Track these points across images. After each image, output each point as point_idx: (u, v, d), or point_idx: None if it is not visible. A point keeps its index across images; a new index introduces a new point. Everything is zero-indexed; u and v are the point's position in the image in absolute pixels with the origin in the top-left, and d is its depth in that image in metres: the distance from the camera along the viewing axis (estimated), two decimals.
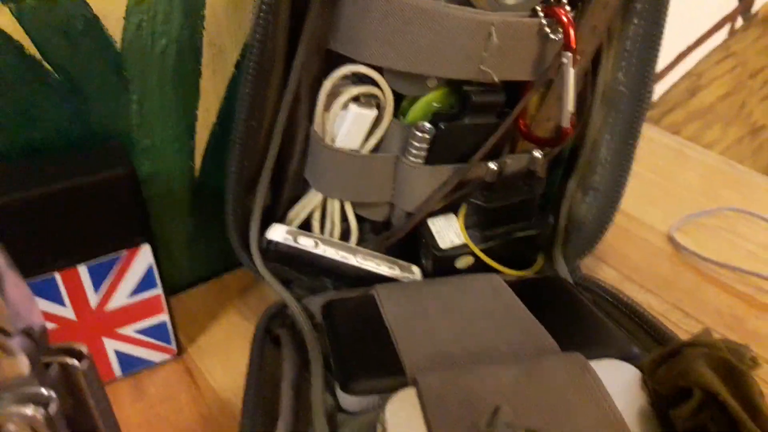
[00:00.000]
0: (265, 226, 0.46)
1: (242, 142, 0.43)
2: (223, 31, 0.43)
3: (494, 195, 0.45)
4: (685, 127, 1.17)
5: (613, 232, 0.60)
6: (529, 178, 0.46)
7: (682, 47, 1.03)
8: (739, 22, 1.13)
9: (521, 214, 0.47)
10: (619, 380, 0.33)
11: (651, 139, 0.79)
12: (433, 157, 0.45)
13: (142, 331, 0.41)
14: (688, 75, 1.08)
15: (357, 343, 0.38)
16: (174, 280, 0.50)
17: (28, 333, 0.21)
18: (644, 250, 0.59)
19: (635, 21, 0.45)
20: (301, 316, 0.42)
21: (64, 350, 0.23)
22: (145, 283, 0.40)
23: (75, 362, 0.23)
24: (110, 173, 0.35)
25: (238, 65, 0.46)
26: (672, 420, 0.31)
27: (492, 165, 0.43)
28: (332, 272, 0.46)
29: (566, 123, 0.44)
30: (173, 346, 0.44)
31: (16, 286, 0.20)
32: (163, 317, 0.42)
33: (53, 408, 0.21)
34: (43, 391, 0.21)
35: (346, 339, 0.39)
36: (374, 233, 0.51)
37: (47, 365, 0.23)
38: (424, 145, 0.44)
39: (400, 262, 0.47)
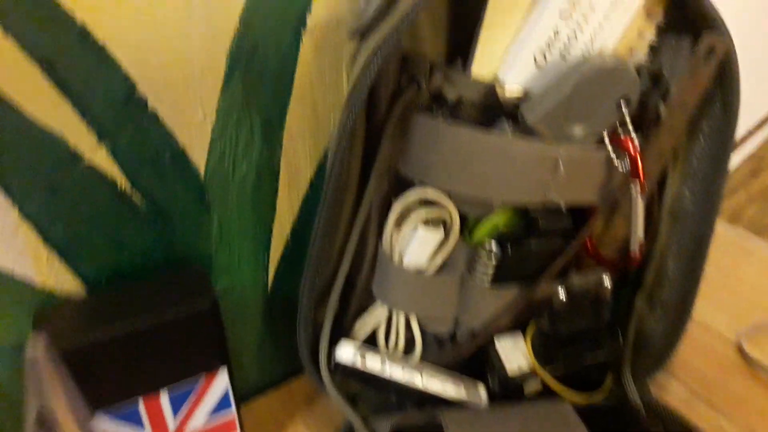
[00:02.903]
0: (333, 335, 0.47)
1: (316, 263, 0.44)
2: (299, 152, 0.45)
3: (561, 321, 0.45)
4: (747, 208, 1.14)
5: None
6: (597, 303, 0.46)
7: (744, 131, 1.02)
8: None
9: (590, 340, 0.46)
10: None
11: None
12: (499, 278, 0.45)
13: None
14: (750, 157, 1.07)
15: None
16: (242, 386, 0.51)
17: None
18: (713, 361, 0.58)
19: (702, 141, 0.46)
20: None
21: None
22: (221, 404, 0.41)
23: None
24: (195, 308, 0.37)
25: (312, 183, 0.47)
26: None
27: (560, 291, 0.44)
28: (398, 390, 0.46)
29: (635, 250, 0.44)
30: None
31: None
32: None
33: None
34: None
35: None
36: (438, 344, 0.51)
37: None
38: (490, 267, 0.44)
39: (466, 379, 0.47)
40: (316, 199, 0.48)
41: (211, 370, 0.39)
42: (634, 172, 0.41)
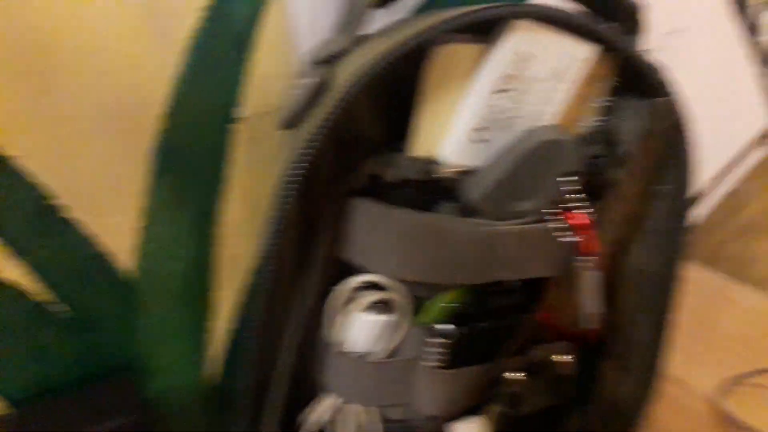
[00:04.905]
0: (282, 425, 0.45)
1: (253, 358, 0.42)
2: (236, 243, 0.43)
3: (522, 401, 0.42)
4: (730, 244, 1.13)
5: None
6: (558, 379, 0.44)
7: (720, 169, 1.01)
8: None
9: (554, 418, 0.44)
10: None
11: (690, 279, 0.75)
12: (453, 360, 0.43)
13: None
14: (728, 195, 1.06)
15: None
16: None
17: None
18: (688, 419, 0.55)
19: (659, 203, 0.44)
20: None
21: None
22: None
23: None
24: (120, 424, 0.35)
25: (252, 273, 0.45)
26: None
27: (518, 375, 0.41)
28: None
29: (591, 324, 0.42)
30: None
31: None
32: None
33: None
34: None
35: None
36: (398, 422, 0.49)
37: None
38: (443, 349, 0.42)
39: None
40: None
41: None
42: (585, 247, 0.39)
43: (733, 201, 1.06)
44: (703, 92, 0.89)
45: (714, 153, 0.97)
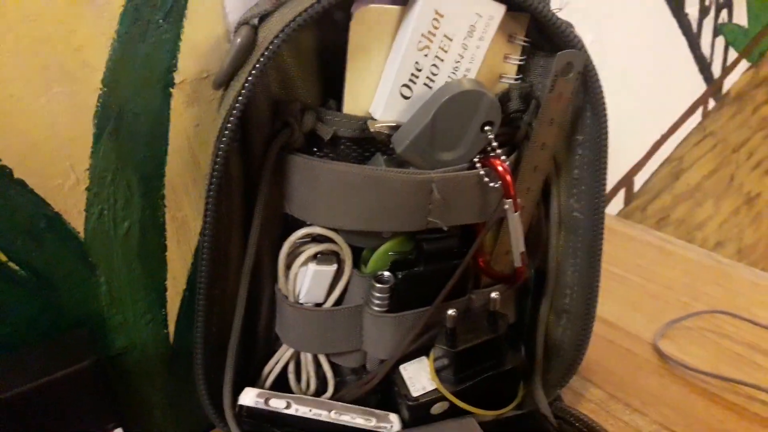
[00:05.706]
0: (240, 383, 0.47)
1: (206, 311, 0.44)
2: (184, 204, 0.46)
3: (459, 338, 0.45)
4: (675, 209, 1.17)
5: (596, 345, 0.61)
6: (492, 317, 0.47)
7: (657, 136, 1.05)
8: (711, 103, 1.16)
9: (491, 353, 0.47)
10: None
11: (632, 237, 0.80)
12: (396, 305, 0.46)
13: None
14: (668, 160, 1.10)
15: None
16: None
17: None
18: (629, 362, 0.59)
19: (579, 151, 0.47)
20: None
21: None
22: None
23: None
24: (74, 367, 0.37)
25: (202, 232, 0.48)
26: None
27: (450, 311, 0.44)
28: (309, 428, 0.46)
29: (518, 262, 0.45)
30: None
31: None
32: None
33: None
34: None
35: None
36: (354, 373, 0.52)
37: None
38: (386, 295, 0.45)
39: (377, 412, 0.47)
40: None
41: None
42: (505, 191, 0.43)
43: (675, 167, 1.11)
44: (640, 60, 0.93)
45: (652, 119, 1.02)
